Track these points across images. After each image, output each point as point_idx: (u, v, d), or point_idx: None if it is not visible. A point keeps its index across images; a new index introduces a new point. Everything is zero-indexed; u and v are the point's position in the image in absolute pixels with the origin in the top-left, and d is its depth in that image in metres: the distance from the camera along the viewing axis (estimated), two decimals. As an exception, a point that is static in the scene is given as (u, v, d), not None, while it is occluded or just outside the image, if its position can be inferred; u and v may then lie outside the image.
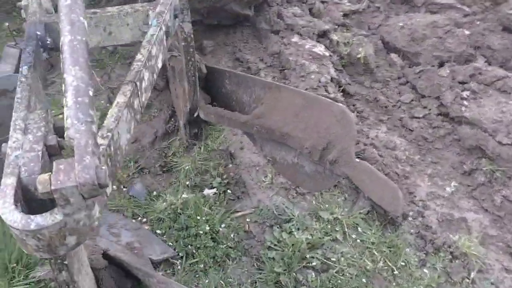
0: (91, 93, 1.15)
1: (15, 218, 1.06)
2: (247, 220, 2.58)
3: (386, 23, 3.96)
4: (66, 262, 1.36)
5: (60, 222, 1.09)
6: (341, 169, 2.08)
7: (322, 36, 3.77)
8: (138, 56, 1.67)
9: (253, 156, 2.95)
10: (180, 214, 2.49)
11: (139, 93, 1.59)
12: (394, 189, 2.08)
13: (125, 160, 2.81)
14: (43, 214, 1.09)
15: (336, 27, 3.87)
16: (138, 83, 1.58)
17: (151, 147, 2.98)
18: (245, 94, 2.55)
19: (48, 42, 1.69)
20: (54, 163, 1.08)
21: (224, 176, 2.75)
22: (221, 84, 2.71)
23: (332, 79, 3.37)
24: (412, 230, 2.59)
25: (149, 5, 1.93)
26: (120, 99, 1.48)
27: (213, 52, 3.80)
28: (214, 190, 2.69)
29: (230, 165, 2.83)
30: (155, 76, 1.78)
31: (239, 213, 2.62)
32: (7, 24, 2.63)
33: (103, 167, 1.07)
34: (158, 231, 2.46)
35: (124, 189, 2.71)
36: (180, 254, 2.36)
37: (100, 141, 1.26)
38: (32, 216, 1.08)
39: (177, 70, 2.68)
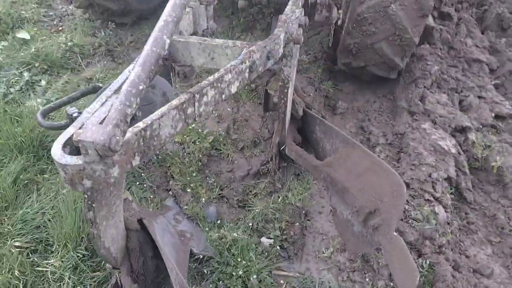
0: (140, 87, 1.42)
1: (56, 153, 1.44)
2: (286, 282, 2.52)
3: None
4: (94, 205, 1.69)
5: (80, 166, 1.43)
6: (379, 237, 2.13)
7: (460, 131, 3.45)
8: (210, 77, 1.93)
9: (326, 224, 2.87)
10: (228, 249, 2.59)
11: (196, 103, 1.84)
12: (414, 271, 1.99)
13: (212, 184, 3.06)
14: (73, 156, 1.44)
15: (481, 127, 3.49)
16: (197, 96, 1.82)
17: (240, 181, 3.16)
18: (328, 143, 2.70)
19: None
20: (88, 123, 1.43)
21: (285, 232, 2.74)
22: (313, 129, 2.86)
23: (447, 178, 3.06)
24: None
25: (248, 44, 2.18)
26: (174, 101, 1.75)
27: (343, 114, 3.84)
28: (271, 241, 2.70)
29: (297, 224, 2.80)
30: (223, 96, 2.01)
31: (281, 272, 2.58)
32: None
33: (118, 137, 1.36)
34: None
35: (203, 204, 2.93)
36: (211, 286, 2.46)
37: (140, 124, 1.58)
38: (66, 155, 1.44)
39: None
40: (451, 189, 3.05)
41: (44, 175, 2.87)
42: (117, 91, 1.80)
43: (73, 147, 1.51)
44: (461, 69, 4.08)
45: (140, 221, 2.09)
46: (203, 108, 1.90)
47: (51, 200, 2.70)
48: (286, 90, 2.64)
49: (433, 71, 3.84)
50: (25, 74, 3.70)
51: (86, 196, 1.66)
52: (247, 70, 2.12)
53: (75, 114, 1.80)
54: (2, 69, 3.72)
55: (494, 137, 3.47)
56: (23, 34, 4.07)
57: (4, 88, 3.55)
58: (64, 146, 1.49)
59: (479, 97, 3.80)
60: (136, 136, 1.57)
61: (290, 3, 2.59)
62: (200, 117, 1.91)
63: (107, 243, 1.90)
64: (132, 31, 4.44)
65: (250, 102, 3.76)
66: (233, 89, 2.08)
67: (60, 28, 4.43)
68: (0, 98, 3.40)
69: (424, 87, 3.77)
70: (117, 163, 1.51)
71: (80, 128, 1.52)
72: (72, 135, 1.46)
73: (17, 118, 3.13)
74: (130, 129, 1.54)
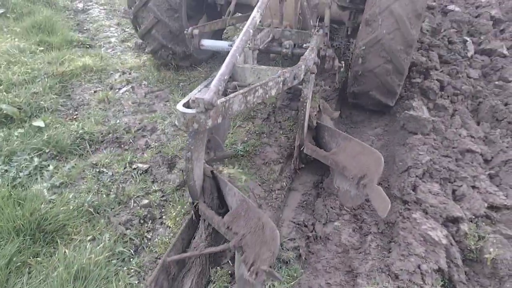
0: (225, 77, 2.59)
1: (179, 107, 2.45)
2: None
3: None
4: (192, 147, 2.71)
5: (193, 114, 2.40)
6: (367, 190, 3.30)
7: (452, 221, 3.44)
8: (259, 81, 3.07)
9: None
10: None
11: (252, 95, 2.87)
12: (388, 203, 3.09)
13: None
14: (189, 109, 2.42)
15: (474, 217, 3.48)
16: (252, 90, 2.86)
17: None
18: (333, 143, 3.95)
19: None
20: (196, 93, 2.77)
21: None
22: (323, 135, 4.10)
23: (438, 270, 3.01)
24: None
25: (282, 69, 3.31)
26: (240, 91, 2.79)
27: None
28: None
29: None
30: (266, 96, 3.05)
31: None
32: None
33: (215, 99, 2.36)
34: None
35: None
36: None
37: (222, 99, 2.58)
38: (186, 108, 2.44)
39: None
40: (442, 281, 2.99)
41: (37, 258, 2.96)
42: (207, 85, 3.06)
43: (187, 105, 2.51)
44: (454, 159, 4.16)
45: (211, 172, 3.08)
46: (255, 100, 2.93)
47: (40, 283, 2.76)
48: (304, 105, 3.75)
49: (424, 160, 3.93)
50: (35, 159, 3.95)
51: (189, 139, 2.68)
52: (281, 83, 3.21)
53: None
54: (15, 155, 3.97)
55: (488, 228, 3.45)
56: (38, 123, 4.39)
57: (14, 172, 3.77)
58: (183, 106, 2.49)
59: (473, 187, 3.83)
60: (221, 104, 2.54)
61: (308, 51, 3.76)
62: (253, 104, 2.93)
63: (194, 179, 2.89)
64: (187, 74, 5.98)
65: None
66: (273, 93, 3.13)
67: (75, 117, 4.77)
68: (9, 182, 3.60)
69: (416, 176, 3.84)
70: (211, 117, 2.47)
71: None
72: (189, 99, 2.48)
73: (20, 201, 3.30)
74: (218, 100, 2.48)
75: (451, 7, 7.95)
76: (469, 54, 6.37)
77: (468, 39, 6.72)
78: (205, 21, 5.80)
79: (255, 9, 3.35)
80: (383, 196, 3.14)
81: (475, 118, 5.02)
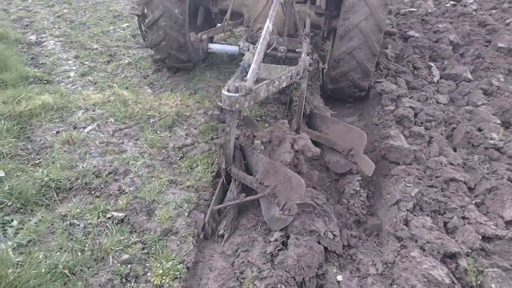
0: (256, 71, 3.72)
1: (225, 92, 3.38)
2: None
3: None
4: (230, 123, 3.66)
5: (236, 96, 3.34)
6: (355, 158, 4.30)
7: (450, 257, 3.36)
8: (270, 77, 4.19)
9: None
10: None
11: (270, 86, 3.89)
12: (372, 165, 4.09)
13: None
14: (233, 93, 3.36)
15: (470, 251, 3.42)
16: (271, 83, 3.90)
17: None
18: (324, 126, 4.88)
19: None
20: (237, 83, 3.48)
21: None
22: (315, 120, 5.04)
23: (446, 312, 2.90)
24: None
25: (288, 67, 4.37)
26: (264, 82, 3.83)
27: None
28: None
29: None
30: (280, 86, 4.10)
31: None
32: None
33: (253, 86, 3.43)
34: None
35: None
36: None
37: (254, 87, 3.48)
38: (230, 93, 3.37)
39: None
40: (450, 324, 2.87)
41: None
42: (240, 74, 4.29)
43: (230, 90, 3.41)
44: (440, 188, 4.12)
45: (240, 144, 4.25)
46: (273, 89, 3.98)
47: None
48: (301, 96, 4.59)
49: (413, 193, 3.86)
50: (-4, 214, 3.54)
51: (228, 118, 3.61)
52: (289, 77, 4.20)
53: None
54: (-28, 211, 3.55)
55: (485, 260, 3.39)
56: (-3, 172, 3.98)
57: (-28, 232, 3.35)
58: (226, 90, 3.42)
59: (463, 217, 3.79)
60: (252, 94, 3.48)
61: (303, 54, 4.63)
62: (271, 92, 3.97)
63: (231, 150, 3.86)
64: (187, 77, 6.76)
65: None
66: (284, 84, 4.15)
67: (38, 162, 4.37)
68: (-34, 244, 3.18)
69: (407, 210, 3.75)
70: (247, 100, 3.44)
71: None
72: (229, 86, 3.42)
73: (-19, 268, 2.90)
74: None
75: (411, 32, 8.16)
76: (435, 80, 6.51)
77: (432, 64, 6.88)
78: (202, 27, 6.63)
79: (268, 20, 4.39)
80: (368, 161, 4.14)
81: (450, 144, 5.05)
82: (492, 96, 6.00)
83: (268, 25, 4.27)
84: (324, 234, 3.37)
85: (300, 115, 4.65)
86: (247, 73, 3.74)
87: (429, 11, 9.50)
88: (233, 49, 5.78)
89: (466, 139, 4.95)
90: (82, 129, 5.12)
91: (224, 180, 4.04)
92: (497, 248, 3.54)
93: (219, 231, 3.69)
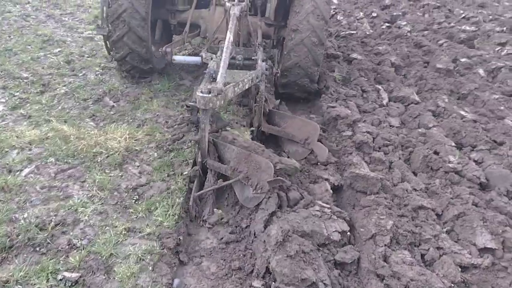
0: (224, 75, 4.39)
1: (199, 93, 3.99)
2: None
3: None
4: (205, 121, 4.21)
5: (209, 97, 3.94)
6: (310, 146, 5.10)
7: (436, 292, 3.26)
8: (234, 81, 4.64)
9: None
10: None
11: (238, 88, 4.55)
12: (326, 150, 5.07)
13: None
14: (206, 94, 3.98)
15: (452, 285, 3.35)
16: (236, 85, 4.50)
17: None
18: (282, 122, 5.51)
19: None
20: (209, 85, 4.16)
21: None
22: (273, 117, 5.64)
23: None
24: None
25: (253, 72, 5.00)
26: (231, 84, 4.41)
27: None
28: None
29: None
30: (243, 88, 4.73)
31: None
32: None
33: (223, 88, 4.09)
34: None
35: None
36: None
37: (223, 88, 4.11)
38: (204, 94, 3.97)
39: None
40: None
41: None
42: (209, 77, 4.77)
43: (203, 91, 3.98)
44: (410, 218, 4.06)
45: (213, 140, 4.59)
46: (238, 90, 4.59)
47: None
48: (261, 96, 5.18)
49: (389, 226, 3.75)
50: None
51: (202, 116, 4.15)
52: (251, 80, 4.82)
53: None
54: None
55: (466, 293, 3.33)
56: None
57: None
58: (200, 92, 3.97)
59: (438, 248, 3.74)
60: (223, 91, 4.05)
61: (260, 61, 5.36)
62: (236, 93, 4.62)
63: (205, 144, 4.33)
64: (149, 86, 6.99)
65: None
66: (247, 86, 4.80)
67: (-33, 216, 3.76)
68: None
69: (385, 245, 3.62)
70: (219, 100, 3.99)
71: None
72: (201, 89, 4.00)
73: None
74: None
75: (354, 55, 8.32)
76: (384, 102, 6.60)
77: (380, 87, 6.99)
78: (160, 40, 7.28)
79: (228, 32, 4.99)
80: (322, 147, 5.10)
81: (410, 168, 5.07)
82: (440, 117, 6.18)
83: (229, 36, 4.86)
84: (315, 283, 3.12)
85: (260, 113, 5.33)
86: (214, 78, 4.47)
87: (367, 33, 9.78)
88: (195, 59, 6.14)
89: (425, 163, 4.99)
90: (18, 173, 4.53)
91: (200, 172, 4.40)
92: (475, 277, 3.50)
93: (203, 216, 4.17)
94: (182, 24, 6.73)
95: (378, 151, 5.22)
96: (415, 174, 4.95)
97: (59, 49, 8.47)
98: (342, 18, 10.98)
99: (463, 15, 11.48)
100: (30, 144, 5.07)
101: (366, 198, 4.22)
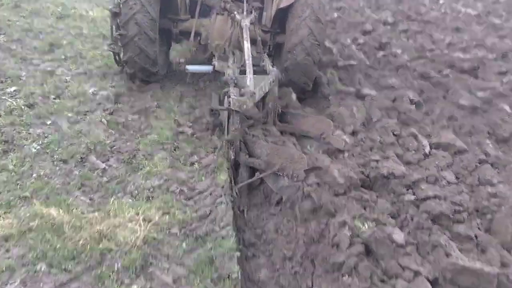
0: (253, 81, 5.11)
1: (234, 97, 4.79)
2: None
3: None
4: (237, 121, 4.76)
5: (244, 99, 4.74)
6: (327, 139, 5.38)
7: None
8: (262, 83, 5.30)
9: None
10: None
11: (261, 91, 5.17)
12: (342, 140, 5.43)
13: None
14: (242, 97, 4.82)
15: None
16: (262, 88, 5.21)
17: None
18: (296, 120, 5.90)
19: None
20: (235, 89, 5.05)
21: None
22: (287, 117, 6.00)
23: None
24: None
25: (269, 76, 5.69)
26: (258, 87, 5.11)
27: None
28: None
29: None
30: (264, 90, 5.31)
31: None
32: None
33: (254, 91, 4.90)
34: None
35: None
36: None
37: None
38: (237, 97, 4.81)
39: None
40: None
41: None
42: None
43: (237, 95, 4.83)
44: None
45: (243, 137, 4.97)
46: (261, 93, 5.20)
47: None
48: (275, 98, 5.71)
49: None
50: None
51: (235, 117, 4.67)
52: (270, 83, 5.48)
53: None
54: None
55: None
56: None
57: None
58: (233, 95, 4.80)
59: None
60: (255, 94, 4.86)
61: (270, 67, 5.97)
62: (260, 96, 5.14)
63: (238, 142, 4.80)
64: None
65: None
66: (267, 89, 5.37)
67: None
68: None
69: None
70: (251, 101, 4.80)
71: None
72: (234, 92, 4.92)
73: None
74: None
75: (365, 90, 7.50)
76: (426, 151, 5.75)
77: (414, 130, 6.14)
78: (164, 45, 7.63)
79: (245, 41, 5.69)
80: (338, 138, 5.36)
81: (496, 242, 4.17)
82: (495, 167, 5.40)
83: (247, 45, 5.58)
84: None
85: (275, 113, 5.66)
86: (236, 84, 5.11)
87: (367, 63, 9.04)
88: (207, 68, 6.48)
89: None
90: (-2, 295, 3.10)
91: (233, 168, 4.79)
92: None
93: (239, 207, 4.46)
94: (182, 33, 7.23)
95: (456, 222, 4.28)
96: (509, 251, 4.06)
97: (14, 88, 6.81)
98: (329, 45, 10.18)
99: (448, 41, 11.11)
100: (6, 242, 3.61)
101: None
